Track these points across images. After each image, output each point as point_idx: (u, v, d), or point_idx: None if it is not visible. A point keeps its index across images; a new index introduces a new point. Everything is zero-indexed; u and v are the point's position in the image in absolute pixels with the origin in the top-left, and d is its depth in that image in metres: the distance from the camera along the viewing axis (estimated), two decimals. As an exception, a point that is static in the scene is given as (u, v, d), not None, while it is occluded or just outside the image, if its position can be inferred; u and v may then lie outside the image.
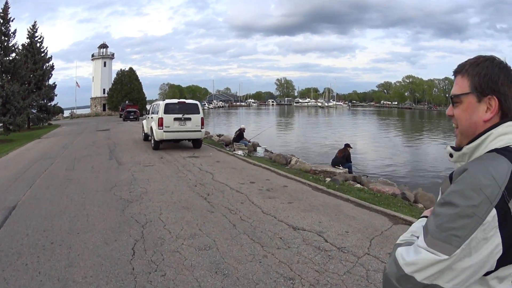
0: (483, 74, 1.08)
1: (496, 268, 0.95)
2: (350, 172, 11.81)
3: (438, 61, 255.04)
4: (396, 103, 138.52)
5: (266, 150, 15.69)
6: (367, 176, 11.56)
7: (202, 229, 5.14)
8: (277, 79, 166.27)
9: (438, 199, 1.05)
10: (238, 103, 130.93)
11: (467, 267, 0.91)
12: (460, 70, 1.14)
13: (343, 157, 12.62)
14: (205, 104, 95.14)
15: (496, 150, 1.02)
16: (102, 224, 5.30)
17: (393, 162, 17.91)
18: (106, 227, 5.16)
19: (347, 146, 13.13)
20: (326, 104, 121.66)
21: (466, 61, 1.15)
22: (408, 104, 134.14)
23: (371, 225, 5.38)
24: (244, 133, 16.74)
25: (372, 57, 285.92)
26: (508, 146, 1.03)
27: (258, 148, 15.25)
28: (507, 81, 1.07)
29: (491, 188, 0.92)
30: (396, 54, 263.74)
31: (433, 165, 16.99)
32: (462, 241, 0.90)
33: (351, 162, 12.83)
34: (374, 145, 25.22)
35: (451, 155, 1.15)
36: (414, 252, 0.97)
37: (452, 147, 1.15)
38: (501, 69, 1.08)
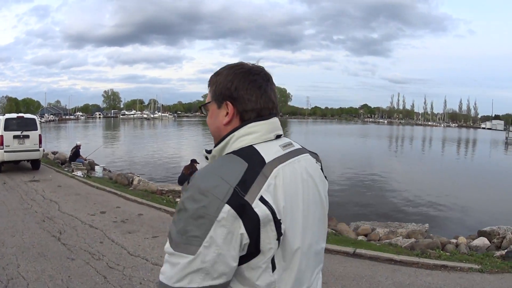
0: (219, 82, 1.14)
1: (249, 259, 0.98)
2: (199, 189, 11.66)
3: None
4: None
5: (104, 169, 14.35)
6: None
7: (71, 287, 4.26)
8: (104, 91, 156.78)
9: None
10: (67, 117, 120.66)
11: (216, 259, 0.93)
12: (208, 81, 1.20)
13: (191, 174, 12.33)
14: (38, 118, 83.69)
15: (234, 152, 1.06)
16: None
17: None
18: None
19: (194, 161, 12.61)
20: (152, 116, 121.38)
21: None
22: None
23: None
24: (80, 150, 15.02)
25: (199, 68, 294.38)
26: (250, 145, 1.07)
27: (96, 168, 13.86)
28: (243, 85, 1.11)
29: (218, 188, 0.95)
30: (223, 64, 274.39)
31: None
32: (202, 239, 0.92)
33: (197, 179, 12.62)
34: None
35: (206, 158, 1.18)
36: (170, 267, 0.96)
37: (206, 150, 1.18)
38: (237, 75, 1.12)
